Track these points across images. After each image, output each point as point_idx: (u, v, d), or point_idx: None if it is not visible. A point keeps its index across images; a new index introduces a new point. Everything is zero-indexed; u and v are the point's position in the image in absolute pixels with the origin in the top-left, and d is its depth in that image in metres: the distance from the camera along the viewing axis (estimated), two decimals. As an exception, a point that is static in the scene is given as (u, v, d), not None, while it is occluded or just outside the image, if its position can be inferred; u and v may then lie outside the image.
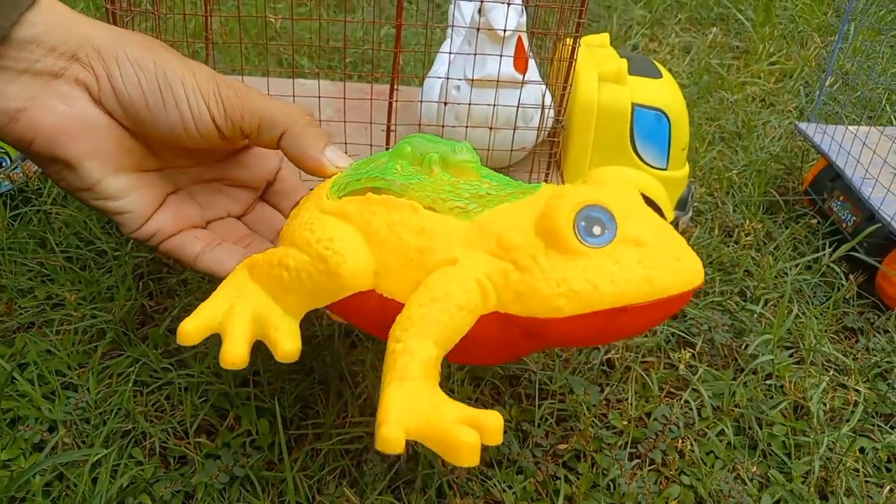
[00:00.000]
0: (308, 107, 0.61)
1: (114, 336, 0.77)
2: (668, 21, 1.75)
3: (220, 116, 0.58)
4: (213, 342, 0.68)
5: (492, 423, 0.44)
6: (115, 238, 0.91)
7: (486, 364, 0.59)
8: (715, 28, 1.72)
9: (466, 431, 0.42)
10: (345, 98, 0.83)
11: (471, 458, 0.42)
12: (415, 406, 0.44)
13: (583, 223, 0.47)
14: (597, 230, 0.47)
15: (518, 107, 0.80)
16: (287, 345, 0.54)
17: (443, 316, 0.47)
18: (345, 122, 0.83)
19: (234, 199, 0.69)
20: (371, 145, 0.85)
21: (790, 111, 1.41)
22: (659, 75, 0.92)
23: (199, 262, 0.61)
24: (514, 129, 0.82)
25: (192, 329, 0.54)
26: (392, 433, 0.43)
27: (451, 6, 0.97)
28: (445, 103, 0.83)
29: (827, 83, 1.13)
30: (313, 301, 0.55)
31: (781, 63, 1.61)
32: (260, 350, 0.68)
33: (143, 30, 0.80)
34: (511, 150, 0.85)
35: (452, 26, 0.88)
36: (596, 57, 0.92)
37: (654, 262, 0.47)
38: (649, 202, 0.57)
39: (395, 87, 0.81)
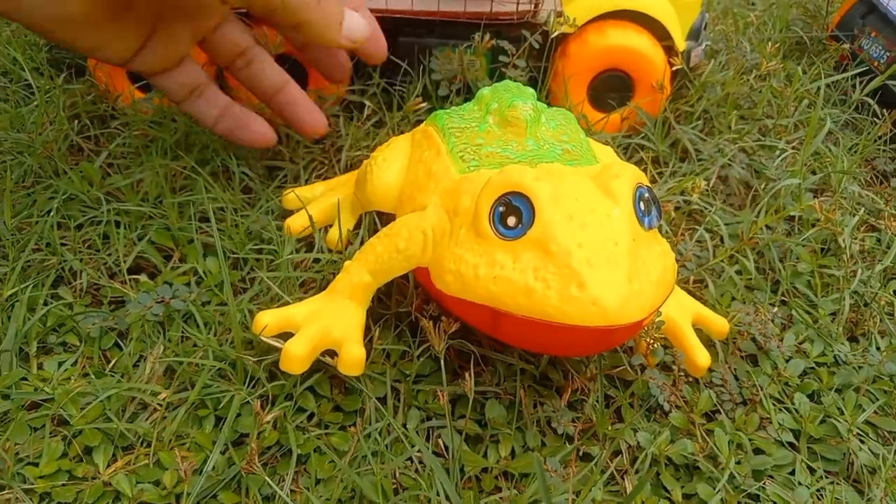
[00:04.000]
0: None
1: (37, 166, 0.66)
2: None
3: None
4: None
5: (346, 356, 0.49)
6: (48, 76, 0.80)
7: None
8: None
9: (299, 345, 0.49)
10: None
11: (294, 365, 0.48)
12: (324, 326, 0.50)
13: (501, 209, 0.44)
14: (511, 221, 0.43)
15: None
16: (331, 234, 0.62)
17: (384, 253, 0.50)
18: None
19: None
20: None
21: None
22: None
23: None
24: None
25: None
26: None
27: None
28: None
29: None
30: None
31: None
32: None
33: None
34: None
35: None
36: None
37: (547, 279, 0.41)
38: (653, 198, 0.46)
39: None
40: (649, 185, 0.46)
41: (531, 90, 0.60)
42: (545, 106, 0.60)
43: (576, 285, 0.41)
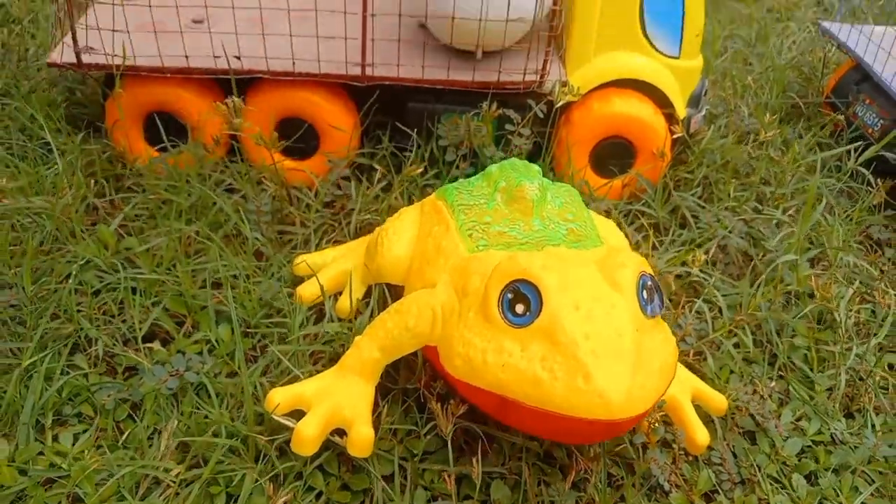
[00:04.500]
0: None
1: (55, 229, 0.68)
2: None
3: None
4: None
5: (356, 438, 0.51)
6: (66, 133, 0.82)
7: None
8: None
9: (310, 426, 0.50)
10: None
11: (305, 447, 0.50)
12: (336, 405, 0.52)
13: (509, 296, 0.46)
14: (519, 308, 0.45)
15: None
16: (341, 302, 0.64)
17: (394, 329, 0.52)
18: (316, 10, 0.73)
19: None
20: (346, 38, 0.75)
21: (808, 25, 1.31)
22: (673, -49, 0.81)
23: None
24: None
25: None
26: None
27: None
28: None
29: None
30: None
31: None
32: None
33: None
34: (507, 21, 0.74)
35: None
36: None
37: (555, 369, 0.43)
38: (655, 286, 0.48)
39: None
40: (652, 272, 0.48)
41: (537, 167, 0.62)
42: (550, 182, 0.62)
43: (582, 377, 0.43)
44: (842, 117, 0.95)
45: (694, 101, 0.86)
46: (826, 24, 1.03)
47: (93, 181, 0.76)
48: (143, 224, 0.72)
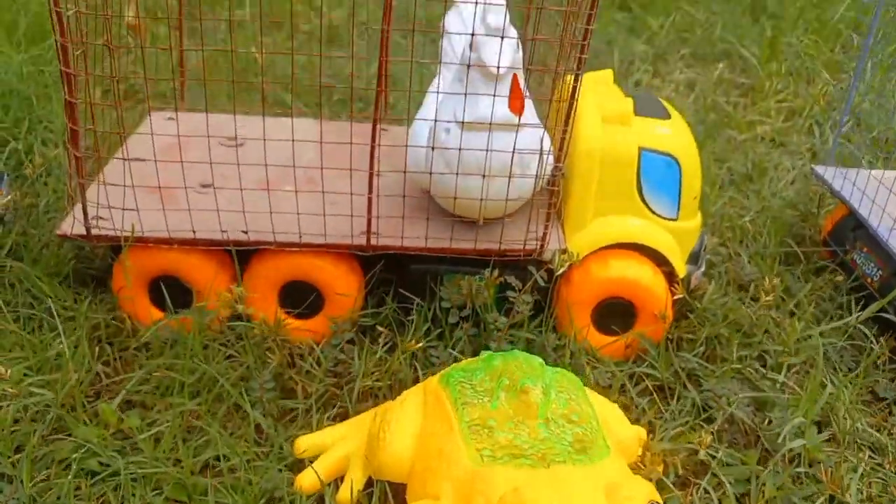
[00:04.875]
0: None
1: (57, 416, 0.68)
2: (671, 56, 1.69)
3: None
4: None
5: None
6: (73, 294, 0.83)
7: None
8: (720, 64, 1.65)
9: None
10: (321, 142, 0.74)
11: None
12: None
13: None
14: None
15: (514, 152, 0.72)
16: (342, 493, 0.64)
17: None
18: (322, 167, 0.75)
19: None
20: (352, 194, 0.77)
21: (802, 153, 1.34)
22: (667, 115, 0.84)
23: None
24: (510, 178, 0.74)
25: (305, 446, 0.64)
26: None
27: (442, 39, 0.89)
28: (433, 148, 0.75)
29: (844, 127, 1.05)
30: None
31: (789, 101, 1.54)
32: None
33: (105, 68, 0.72)
34: (507, 200, 0.76)
35: (441, 63, 0.81)
36: (599, 96, 0.84)
37: None
38: None
39: (378, 129, 0.73)
40: (659, 500, 0.47)
41: (539, 361, 0.62)
42: (553, 371, 0.62)
43: None
44: (841, 274, 0.96)
45: (693, 259, 0.87)
46: (819, 169, 1.05)
47: (97, 348, 0.77)
48: (145, 397, 0.72)
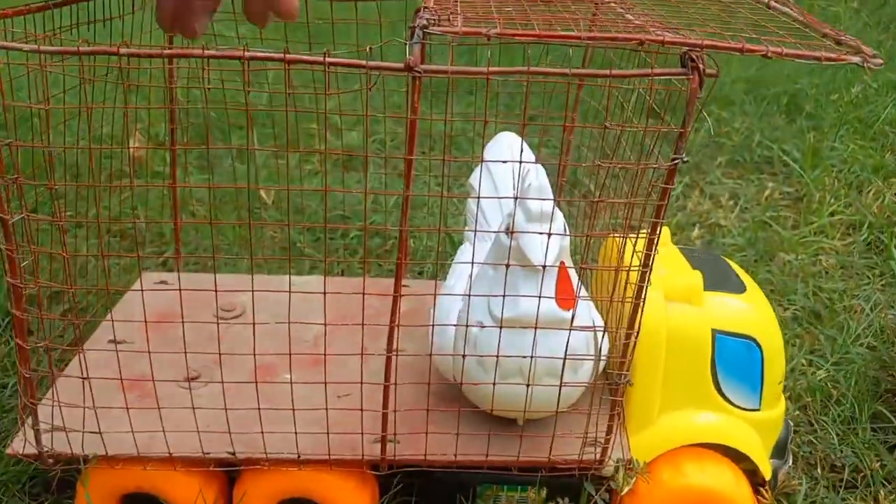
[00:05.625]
0: None
1: None
2: (707, 165, 1.56)
3: None
4: None
5: None
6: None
7: None
8: (762, 174, 1.53)
9: None
10: (326, 324, 0.60)
11: None
12: None
13: None
14: None
15: (565, 358, 0.58)
16: None
17: None
18: (324, 356, 0.61)
19: None
20: (362, 383, 0.61)
21: (871, 277, 1.19)
22: (742, 288, 0.70)
23: None
24: (560, 386, 0.59)
25: None
26: None
27: (469, 202, 0.75)
28: (464, 356, 0.61)
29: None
30: None
31: (842, 212, 1.41)
32: None
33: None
34: (560, 385, 0.61)
35: (468, 229, 0.67)
36: (658, 263, 0.70)
37: None
38: None
39: (398, 314, 0.58)
40: None
41: None
42: None
43: None
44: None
45: (779, 451, 0.72)
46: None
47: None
48: None
